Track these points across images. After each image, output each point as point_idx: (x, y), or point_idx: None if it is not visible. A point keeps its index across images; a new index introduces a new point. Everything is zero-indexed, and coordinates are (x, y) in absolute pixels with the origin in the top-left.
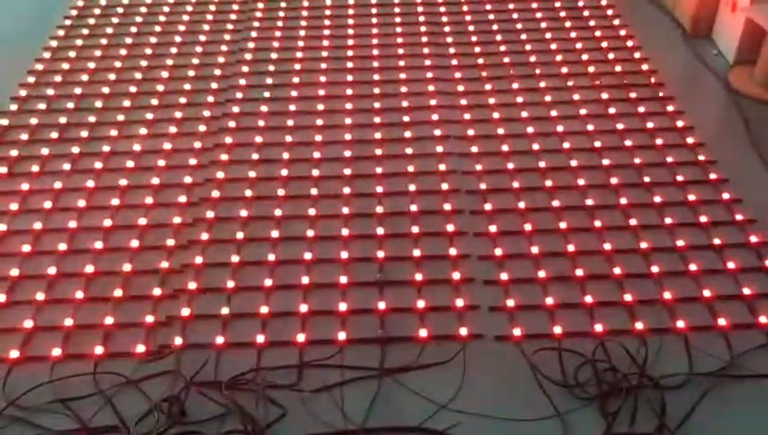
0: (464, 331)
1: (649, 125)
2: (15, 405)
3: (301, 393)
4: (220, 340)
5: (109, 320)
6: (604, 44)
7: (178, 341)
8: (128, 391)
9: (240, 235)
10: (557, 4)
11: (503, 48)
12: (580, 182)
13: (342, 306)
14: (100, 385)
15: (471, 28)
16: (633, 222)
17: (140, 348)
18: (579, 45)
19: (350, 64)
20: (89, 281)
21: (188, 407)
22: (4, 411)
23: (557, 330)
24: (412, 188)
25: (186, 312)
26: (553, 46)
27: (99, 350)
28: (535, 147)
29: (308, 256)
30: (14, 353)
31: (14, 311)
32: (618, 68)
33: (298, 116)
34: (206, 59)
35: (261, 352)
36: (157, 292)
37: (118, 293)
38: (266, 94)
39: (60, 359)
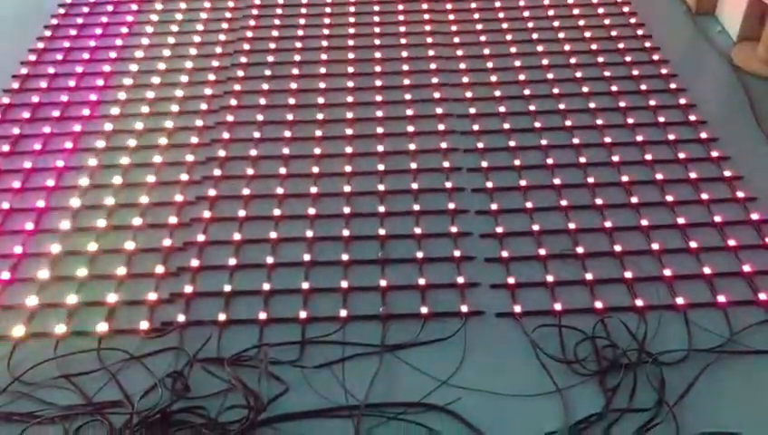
0: (464, 308)
1: (652, 103)
2: (21, 381)
3: (303, 369)
4: (222, 317)
5: (112, 297)
6: (607, 21)
7: (181, 318)
8: (132, 366)
9: (242, 213)
10: None
11: (504, 25)
12: (582, 160)
13: (344, 284)
14: (104, 361)
15: (473, 5)
16: (634, 200)
17: (144, 325)
18: (581, 23)
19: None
20: (92, 259)
21: (191, 382)
22: (9, 387)
23: (557, 307)
24: (413, 165)
25: (188, 289)
26: (556, 24)
27: (102, 326)
28: (537, 124)
29: (309, 233)
30: (19, 330)
31: (18, 288)
32: (621, 45)
33: (299, 94)
34: (208, 37)
35: (263, 328)
36: (159, 269)
37: (121, 270)
38: (267, 72)
39: (64, 335)
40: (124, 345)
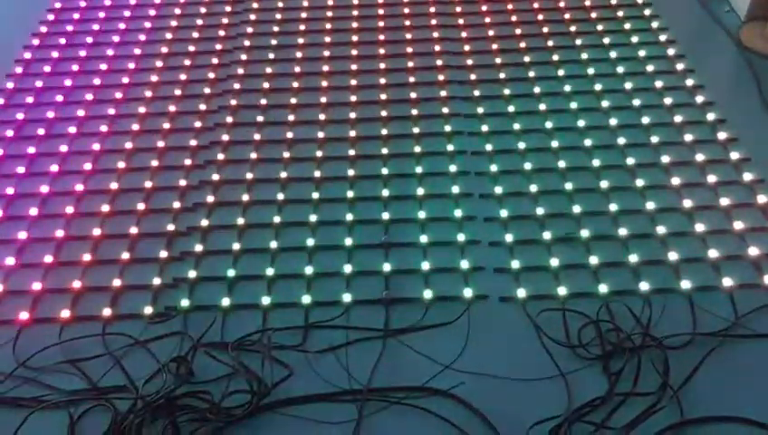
0: (468, 292)
1: (658, 84)
2: (26, 366)
3: (306, 354)
4: (226, 301)
5: (116, 282)
6: (613, 1)
7: (185, 303)
8: (136, 351)
9: (245, 197)
10: None
11: (509, 6)
12: (587, 143)
13: (347, 268)
14: (108, 346)
15: None
16: (639, 183)
17: (148, 310)
18: (587, 2)
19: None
20: (96, 244)
21: (195, 367)
22: (14, 372)
23: (561, 291)
24: (417, 149)
25: (192, 274)
26: (562, 4)
27: (107, 311)
28: (541, 107)
29: (313, 218)
30: (24, 316)
31: (22, 273)
32: (627, 25)
33: (302, 78)
34: (210, 20)
35: (266, 313)
36: (163, 254)
37: (125, 255)
38: (271, 55)
39: (69, 320)
40: (128, 330)
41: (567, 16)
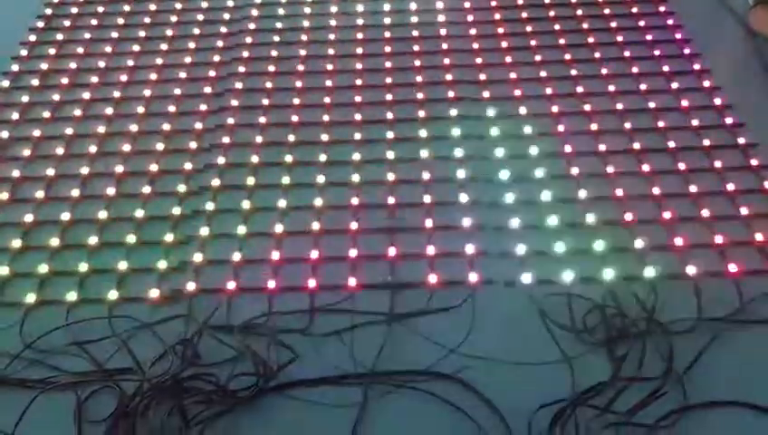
0: (473, 276)
1: (665, 68)
2: (32, 348)
3: (312, 338)
4: (232, 285)
5: (122, 265)
6: None
7: (191, 286)
8: (142, 334)
9: (251, 181)
10: None
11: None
12: (593, 127)
13: (353, 252)
14: (115, 329)
15: None
16: (646, 168)
17: (154, 292)
18: None
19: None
20: (102, 227)
21: (201, 350)
22: (21, 354)
23: (566, 275)
24: (423, 133)
25: (198, 257)
26: None
27: (113, 294)
28: (548, 91)
29: (319, 202)
30: (30, 298)
31: (29, 256)
32: (634, 9)
33: (307, 61)
34: (216, 2)
35: (272, 297)
36: (169, 238)
37: (131, 238)
38: (275, 38)
39: (75, 303)
40: (134, 313)
41: (573, 0)
